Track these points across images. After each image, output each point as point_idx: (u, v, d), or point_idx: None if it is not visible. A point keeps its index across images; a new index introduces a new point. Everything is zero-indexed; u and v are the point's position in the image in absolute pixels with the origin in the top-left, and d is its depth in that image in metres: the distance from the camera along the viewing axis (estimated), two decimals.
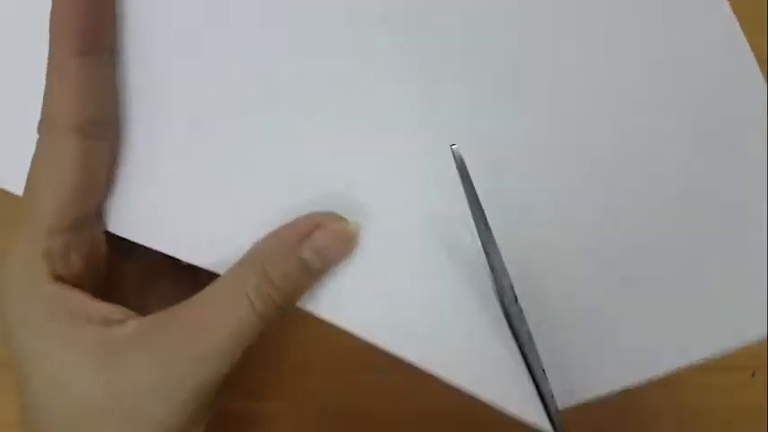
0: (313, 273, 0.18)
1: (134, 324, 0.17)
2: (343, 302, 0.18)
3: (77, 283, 0.18)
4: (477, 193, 0.18)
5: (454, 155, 0.18)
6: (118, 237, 0.19)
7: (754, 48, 0.32)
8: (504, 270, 0.19)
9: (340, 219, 0.18)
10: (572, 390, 0.20)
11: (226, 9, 0.19)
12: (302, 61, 0.19)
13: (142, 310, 0.19)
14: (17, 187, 0.18)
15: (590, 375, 0.21)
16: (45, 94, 0.17)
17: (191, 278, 0.19)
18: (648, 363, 0.21)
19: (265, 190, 0.19)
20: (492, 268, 0.19)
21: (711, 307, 0.21)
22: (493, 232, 0.19)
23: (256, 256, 0.18)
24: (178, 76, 0.19)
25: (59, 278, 0.17)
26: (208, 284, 0.18)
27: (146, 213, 0.19)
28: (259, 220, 0.18)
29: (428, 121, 0.19)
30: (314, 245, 0.18)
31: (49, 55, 0.17)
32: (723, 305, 0.21)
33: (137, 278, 0.21)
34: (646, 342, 0.21)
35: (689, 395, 0.29)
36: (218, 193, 0.19)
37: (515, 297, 0.19)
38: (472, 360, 0.19)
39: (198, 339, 0.17)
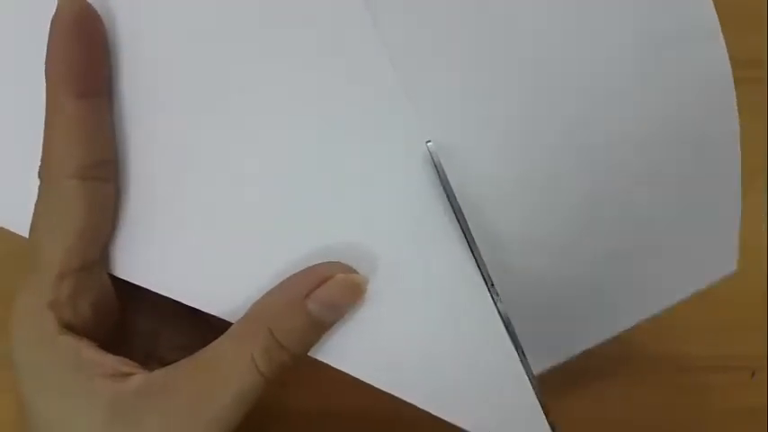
0: (321, 327, 0.18)
1: (141, 379, 0.17)
2: (346, 349, 0.18)
3: (86, 330, 0.18)
4: (453, 188, 0.18)
5: (429, 151, 0.18)
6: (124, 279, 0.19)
7: (754, 47, 0.33)
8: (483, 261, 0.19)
9: (347, 269, 0.18)
10: (552, 348, 0.21)
11: (225, 63, 0.18)
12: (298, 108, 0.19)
13: (151, 352, 0.19)
14: (23, 228, 0.18)
15: (564, 333, 0.21)
16: (44, 138, 0.17)
17: (200, 319, 0.19)
18: (627, 310, 0.22)
19: (270, 234, 0.18)
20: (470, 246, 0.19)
21: (683, 249, 0.21)
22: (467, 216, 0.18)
23: (261, 314, 0.18)
24: (178, 115, 0.19)
25: (68, 327, 0.17)
26: (218, 325, 0.18)
27: (149, 256, 0.18)
28: (265, 265, 0.18)
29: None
30: (322, 298, 0.17)
31: (46, 99, 0.17)
32: (693, 246, 0.21)
33: (145, 320, 0.21)
34: (621, 290, 0.21)
35: (689, 395, 0.29)
36: (223, 236, 0.18)
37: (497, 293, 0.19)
38: (482, 402, 0.18)
39: (204, 402, 0.17)
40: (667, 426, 0.29)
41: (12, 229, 0.18)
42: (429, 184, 0.19)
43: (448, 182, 0.18)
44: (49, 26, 0.17)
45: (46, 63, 0.17)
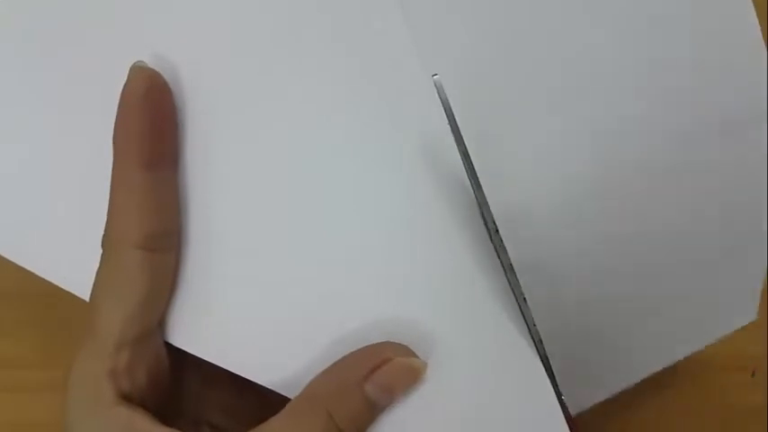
0: (377, 409, 0.18)
1: None
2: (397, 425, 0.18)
3: (141, 398, 0.18)
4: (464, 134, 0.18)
5: (436, 85, 0.18)
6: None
7: None
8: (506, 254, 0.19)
9: (406, 350, 0.18)
10: (582, 394, 0.21)
11: (285, 140, 0.19)
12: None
13: (200, 415, 0.19)
14: (83, 292, 0.18)
15: (598, 377, 0.21)
16: (109, 208, 0.17)
17: (250, 386, 0.19)
18: (652, 357, 0.22)
19: (322, 306, 0.18)
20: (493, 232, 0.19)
21: (708, 298, 0.22)
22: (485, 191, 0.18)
23: (319, 394, 0.17)
24: (238, 187, 0.19)
25: (124, 396, 0.17)
26: (267, 393, 0.18)
27: (202, 325, 0.19)
28: (316, 337, 0.18)
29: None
30: (381, 381, 0.17)
31: (113, 169, 0.17)
32: (719, 295, 0.22)
33: (195, 385, 0.21)
34: (650, 336, 0.22)
35: (689, 395, 0.29)
36: (277, 308, 0.18)
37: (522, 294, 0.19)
38: None
39: None
40: (667, 425, 0.29)
41: (73, 292, 0.19)
42: (474, 251, 0.19)
43: (454, 118, 0.18)
44: (118, 95, 0.17)
45: (114, 133, 0.17)
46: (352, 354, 0.18)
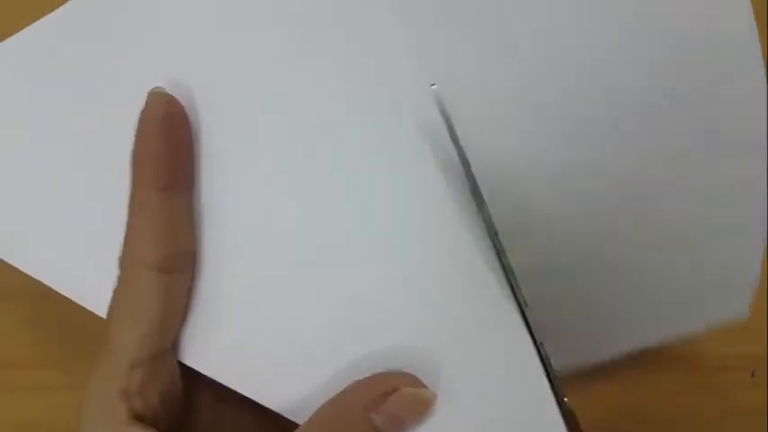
0: None
1: None
2: None
3: (154, 419, 0.18)
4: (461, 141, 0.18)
5: (436, 97, 0.18)
6: None
7: None
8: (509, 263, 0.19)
9: (415, 381, 0.18)
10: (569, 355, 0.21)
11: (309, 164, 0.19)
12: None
13: None
14: (100, 309, 0.18)
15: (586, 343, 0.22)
16: (127, 228, 0.18)
17: (262, 407, 0.19)
18: (636, 332, 0.22)
19: (335, 333, 0.18)
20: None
21: (698, 283, 0.22)
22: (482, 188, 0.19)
23: (326, 423, 0.17)
24: (253, 207, 0.19)
25: (137, 416, 0.17)
26: (279, 415, 0.18)
27: (215, 346, 0.19)
28: (328, 363, 0.18)
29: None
30: (389, 412, 0.17)
31: (130, 191, 0.18)
32: (710, 284, 0.22)
33: (208, 405, 0.21)
34: (640, 313, 0.22)
35: (688, 395, 0.29)
36: (288, 332, 0.19)
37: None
38: None
39: None
40: (666, 425, 0.29)
41: (90, 309, 0.19)
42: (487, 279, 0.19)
43: (455, 134, 0.18)
44: (135, 118, 0.18)
45: (132, 155, 0.18)
46: (359, 382, 0.17)
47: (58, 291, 0.19)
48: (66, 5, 0.20)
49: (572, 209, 0.21)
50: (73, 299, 0.19)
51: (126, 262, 0.18)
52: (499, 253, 0.19)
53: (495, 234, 0.19)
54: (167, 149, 0.18)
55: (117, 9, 0.20)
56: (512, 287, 0.19)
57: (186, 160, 0.19)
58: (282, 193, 0.19)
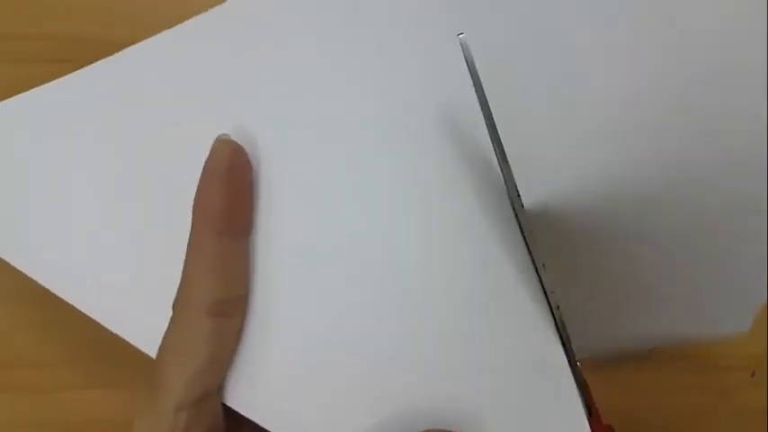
0: None
1: None
2: None
3: None
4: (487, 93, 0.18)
5: (462, 45, 0.18)
6: None
7: None
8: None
9: None
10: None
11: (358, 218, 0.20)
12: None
13: None
14: (150, 349, 0.19)
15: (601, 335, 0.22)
16: (184, 271, 0.18)
17: None
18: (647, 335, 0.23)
19: (373, 384, 0.19)
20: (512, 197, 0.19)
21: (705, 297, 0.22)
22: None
23: None
24: (305, 253, 0.19)
25: None
26: None
27: (260, 390, 0.19)
28: (365, 413, 0.19)
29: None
30: None
31: (190, 234, 0.18)
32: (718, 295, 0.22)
33: None
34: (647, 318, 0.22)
35: (689, 395, 0.29)
36: (333, 380, 0.19)
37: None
38: None
39: None
40: (666, 425, 0.29)
41: (140, 348, 0.19)
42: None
43: (478, 76, 0.18)
44: (197, 165, 0.18)
45: (195, 201, 0.18)
46: None
47: (110, 329, 0.20)
48: (130, 49, 0.21)
49: (594, 190, 0.21)
50: (124, 336, 0.20)
51: (180, 305, 0.18)
52: (520, 223, 0.19)
53: (518, 195, 0.19)
54: (230, 197, 0.18)
55: (178, 55, 0.20)
56: (535, 267, 0.19)
57: (247, 207, 0.19)
58: (333, 243, 0.19)
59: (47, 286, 0.20)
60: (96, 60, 0.28)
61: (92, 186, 0.20)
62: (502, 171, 0.19)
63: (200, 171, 0.18)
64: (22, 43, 0.29)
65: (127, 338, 0.20)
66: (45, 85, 0.21)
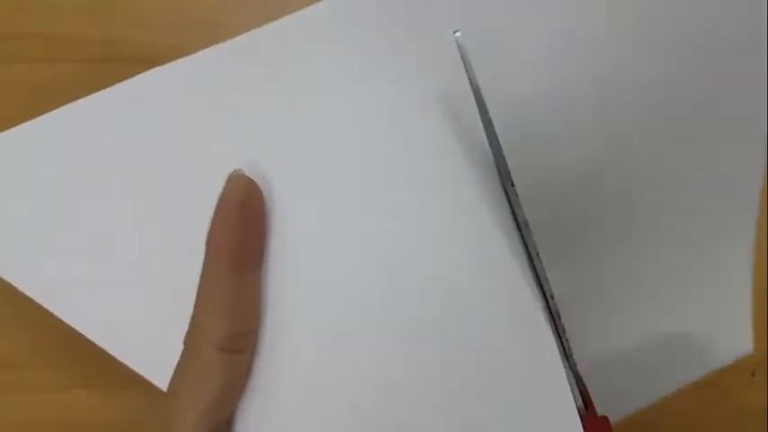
0: None
1: None
2: None
3: None
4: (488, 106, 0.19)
5: (457, 42, 0.18)
6: None
7: None
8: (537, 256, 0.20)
9: None
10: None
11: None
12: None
13: None
14: (161, 382, 0.19)
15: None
16: (196, 305, 0.18)
17: None
18: (654, 385, 0.24)
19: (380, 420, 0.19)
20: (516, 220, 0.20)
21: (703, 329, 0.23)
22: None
23: None
24: (314, 297, 0.20)
25: None
26: None
27: (268, 424, 0.19)
28: None
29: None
30: None
31: (203, 269, 0.18)
32: (713, 327, 0.24)
33: None
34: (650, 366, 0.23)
35: (689, 395, 0.29)
36: (340, 417, 0.19)
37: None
38: None
39: None
40: (667, 425, 0.29)
41: (150, 380, 0.20)
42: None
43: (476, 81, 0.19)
44: (212, 199, 0.18)
45: (209, 234, 0.18)
46: None
47: (120, 359, 0.20)
48: (144, 75, 0.21)
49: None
50: (134, 368, 0.20)
51: (192, 339, 0.18)
52: (513, 208, 0.19)
53: (512, 185, 0.19)
54: (243, 232, 0.18)
55: (192, 85, 0.20)
56: (529, 256, 0.20)
57: (259, 242, 0.19)
58: (343, 279, 0.20)
59: (60, 316, 0.20)
60: (96, 60, 0.28)
61: (102, 218, 0.20)
62: (497, 164, 0.19)
63: (213, 205, 0.18)
64: (23, 43, 0.29)
65: (137, 370, 0.20)
66: (55, 111, 0.20)
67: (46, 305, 0.20)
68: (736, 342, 0.24)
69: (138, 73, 0.28)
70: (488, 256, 0.20)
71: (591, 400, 0.20)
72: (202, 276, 0.18)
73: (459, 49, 0.18)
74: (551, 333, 0.19)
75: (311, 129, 0.20)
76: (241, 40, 0.20)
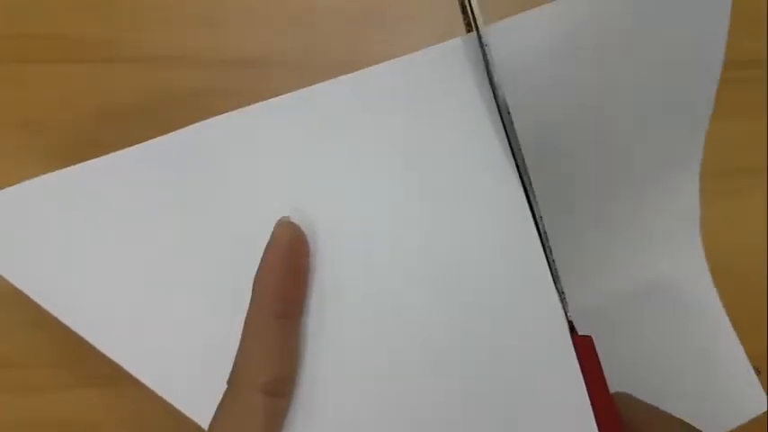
0: None
1: None
2: None
3: None
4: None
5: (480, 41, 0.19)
6: None
7: (754, 47, 0.33)
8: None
9: None
10: None
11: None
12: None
13: None
14: (203, 421, 0.19)
15: None
16: (240, 349, 0.19)
17: None
18: None
19: None
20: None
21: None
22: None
23: None
24: (351, 343, 0.20)
25: None
26: None
27: None
28: None
29: None
30: None
31: (248, 314, 0.19)
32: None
33: None
34: None
35: None
36: None
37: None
38: None
39: None
40: None
41: (192, 418, 0.20)
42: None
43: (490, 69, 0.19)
44: (257, 247, 0.19)
45: (255, 280, 0.19)
46: None
47: (163, 396, 0.20)
48: (193, 127, 0.20)
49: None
50: (176, 405, 0.20)
51: (235, 380, 0.19)
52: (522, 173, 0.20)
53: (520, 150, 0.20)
54: (289, 279, 0.19)
55: (238, 141, 0.20)
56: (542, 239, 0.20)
57: (303, 290, 0.20)
58: (376, 329, 0.20)
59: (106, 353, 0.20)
60: (96, 60, 0.29)
61: (149, 265, 0.20)
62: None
63: (260, 253, 0.19)
64: (23, 43, 0.29)
65: (178, 407, 0.20)
66: (91, 161, 0.20)
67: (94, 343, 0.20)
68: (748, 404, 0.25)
69: (139, 73, 0.28)
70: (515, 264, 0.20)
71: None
72: (247, 322, 0.19)
73: (481, 47, 0.19)
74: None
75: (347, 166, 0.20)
76: (292, 97, 0.20)
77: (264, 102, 0.20)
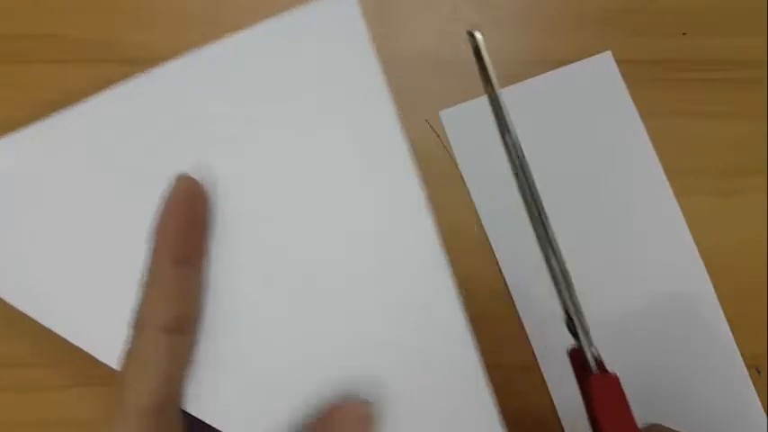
0: None
1: None
2: None
3: None
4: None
5: (476, 37, 0.19)
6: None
7: (754, 47, 0.33)
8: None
9: (357, 403, 0.20)
10: None
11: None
12: None
13: None
14: (111, 361, 0.20)
15: None
16: (141, 294, 0.19)
17: None
18: None
19: (298, 377, 0.21)
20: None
21: None
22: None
23: None
24: (254, 281, 0.21)
25: None
26: None
27: (219, 399, 0.21)
28: (292, 404, 0.21)
29: None
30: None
31: (148, 260, 0.19)
32: None
33: None
34: None
35: None
36: (277, 386, 0.21)
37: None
38: None
39: None
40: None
41: (105, 362, 0.21)
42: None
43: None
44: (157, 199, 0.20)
45: (153, 228, 0.19)
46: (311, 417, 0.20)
47: (79, 346, 0.21)
48: (102, 95, 0.22)
49: None
50: (91, 353, 0.21)
51: (138, 322, 0.19)
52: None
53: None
54: (186, 226, 0.20)
55: (152, 102, 0.22)
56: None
57: (201, 238, 0.20)
58: (279, 268, 0.21)
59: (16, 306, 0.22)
60: (96, 60, 0.29)
61: (63, 220, 0.22)
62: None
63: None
64: (23, 43, 0.29)
65: (89, 352, 0.21)
66: (18, 131, 0.22)
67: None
68: None
69: (138, 73, 0.28)
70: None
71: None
72: (147, 267, 0.19)
73: (479, 47, 0.19)
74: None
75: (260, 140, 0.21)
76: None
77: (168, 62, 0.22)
